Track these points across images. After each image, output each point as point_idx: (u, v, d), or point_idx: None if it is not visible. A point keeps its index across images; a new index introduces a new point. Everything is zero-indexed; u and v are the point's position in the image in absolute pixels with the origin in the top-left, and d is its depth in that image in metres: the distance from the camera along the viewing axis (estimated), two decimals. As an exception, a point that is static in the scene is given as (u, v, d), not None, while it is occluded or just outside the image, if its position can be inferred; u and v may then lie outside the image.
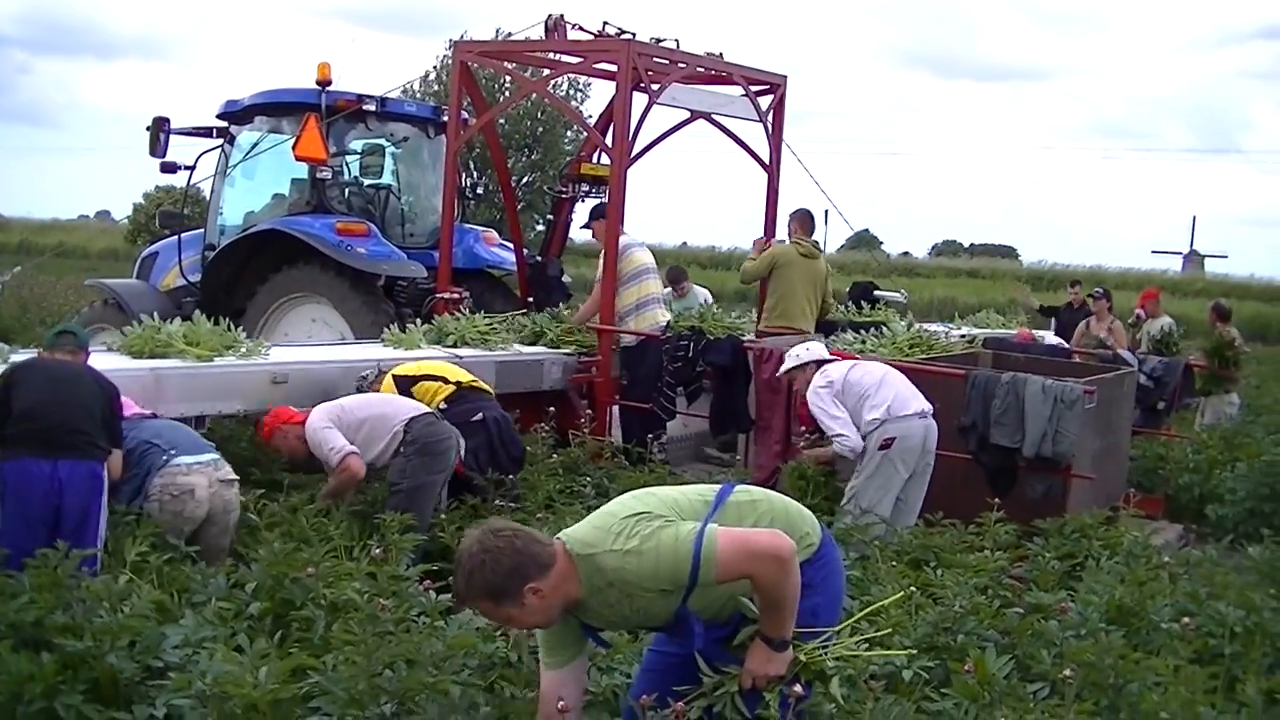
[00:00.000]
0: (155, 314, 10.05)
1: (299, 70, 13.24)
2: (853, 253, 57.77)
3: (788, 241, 12.84)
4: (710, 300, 16.26)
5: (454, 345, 11.20)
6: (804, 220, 12.86)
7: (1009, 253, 71.10)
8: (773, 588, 4.37)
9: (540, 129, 47.25)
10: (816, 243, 13.13)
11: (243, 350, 9.81)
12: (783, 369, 9.70)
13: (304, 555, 6.55)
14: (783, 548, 4.34)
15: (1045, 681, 5.72)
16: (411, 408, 8.73)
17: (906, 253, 68.25)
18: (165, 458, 7.41)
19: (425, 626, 5.63)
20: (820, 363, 9.47)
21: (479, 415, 9.13)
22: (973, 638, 6.21)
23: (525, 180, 46.56)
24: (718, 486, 4.70)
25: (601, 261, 12.20)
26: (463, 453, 8.85)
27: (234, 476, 7.68)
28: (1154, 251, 65.65)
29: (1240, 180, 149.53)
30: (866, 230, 75.64)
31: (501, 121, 44.81)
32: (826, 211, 16.34)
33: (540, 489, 9.19)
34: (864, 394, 9.08)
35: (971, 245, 79.11)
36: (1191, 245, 65.98)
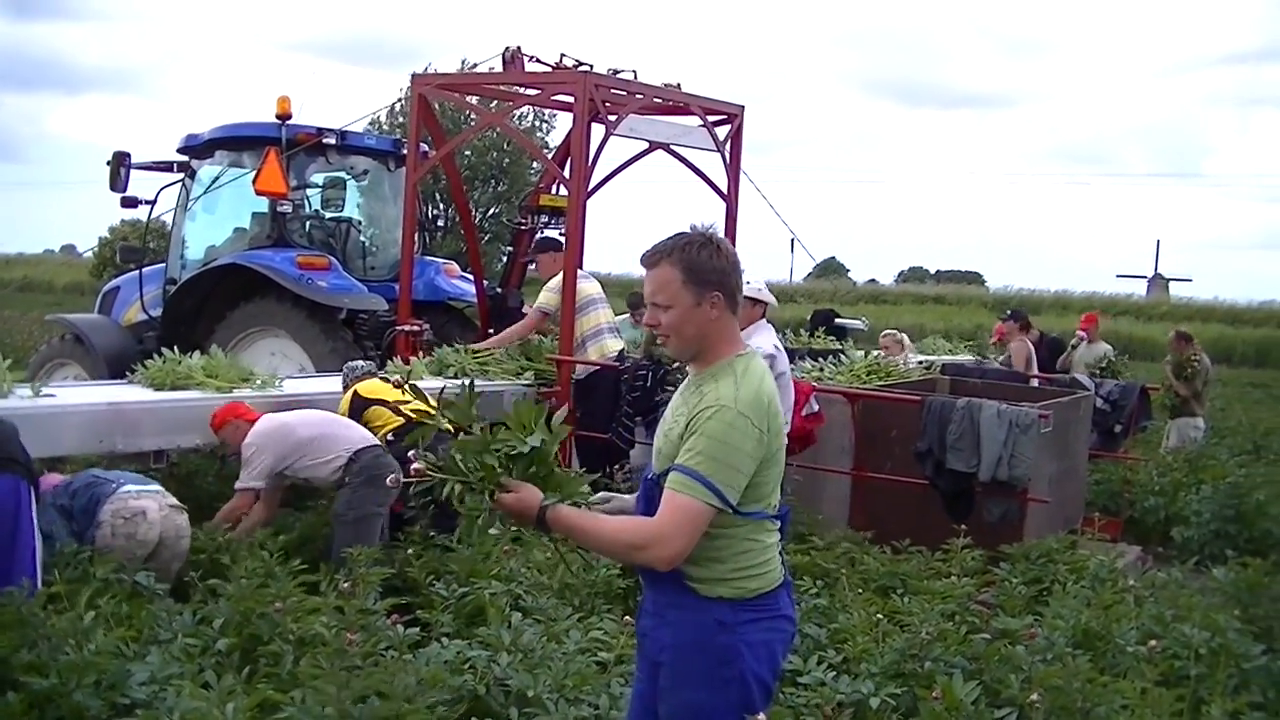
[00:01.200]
0: (117, 349, 10.02)
1: (266, 103, 13.34)
2: (820, 280, 58.02)
3: None
4: None
5: (454, 375, 11.20)
6: None
7: (975, 279, 71.38)
8: (612, 544, 4.22)
9: (506, 160, 47.32)
10: None
11: (259, 382, 9.90)
12: None
13: (271, 590, 6.54)
14: (657, 541, 4.02)
15: (1013, 707, 5.74)
16: (360, 437, 8.72)
17: (873, 280, 68.62)
18: (113, 486, 7.43)
19: (393, 660, 5.62)
20: None
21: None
22: (940, 664, 6.22)
23: (491, 212, 46.61)
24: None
25: (546, 295, 12.15)
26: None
27: (182, 505, 7.68)
28: (1119, 275, 66.05)
29: (1204, 205, 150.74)
30: (833, 258, 76.09)
31: (467, 153, 44.93)
32: (793, 240, 16.42)
33: (508, 521, 9.16)
34: None
35: (938, 272, 79.48)
36: (1156, 269, 66.46)
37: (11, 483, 6.74)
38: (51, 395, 8.90)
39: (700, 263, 4.18)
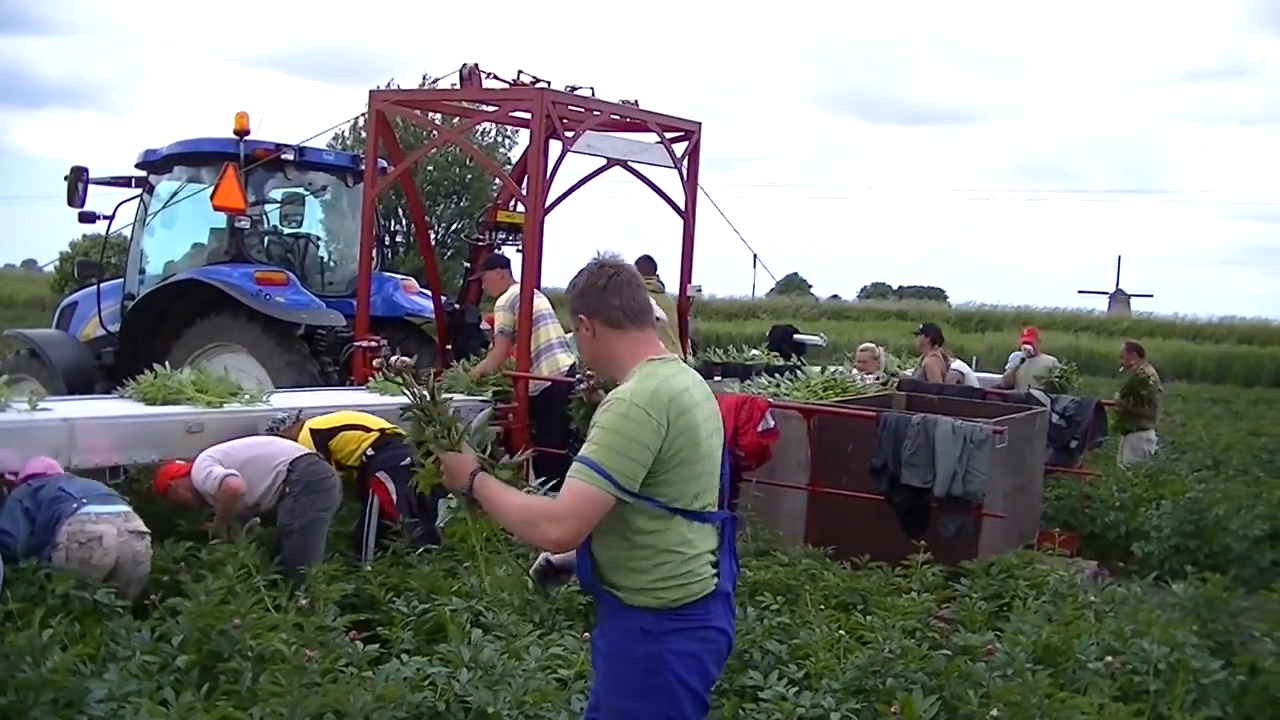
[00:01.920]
0: (75, 364, 9.98)
1: (228, 118, 13.27)
2: (782, 296, 58.00)
3: None
4: None
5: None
6: (644, 264, 13.79)
7: (937, 294, 71.53)
8: (513, 518, 4.42)
9: (469, 176, 47.19)
10: (660, 281, 13.97)
11: (246, 397, 9.95)
12: None
13: (230, 607, 6.51)
14: (549, 520, 4.25)
15: (972, 722, 5.76)
16: (293, 449, 8.70)
17: (836, 295, 68.60)
18: (74, 506, 7.30)
19: (353, 677, 5.60)
20: None
21: (408, 460, 9.07)
22: (900, 680, 6.24)
23: (454, 227, 46.47)
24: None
25: (501, 315, 12.12)
26: (392, 494, 8.91)
27: (145, 530, 7.56)
28: (1080, 291, 66.07)
29: (1165, 220, 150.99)
30: (795, 274, 76.08)
31: (429, 168, 44.80)
32: (755, 256, 16.45)
33: (478, 534, 9.14)
34: None
35: (900, 288, 79.46)
36: (1117, 285, 66.56)
37: None
38: (48, 409, 8.97)
39: (573, 294, 4.53)
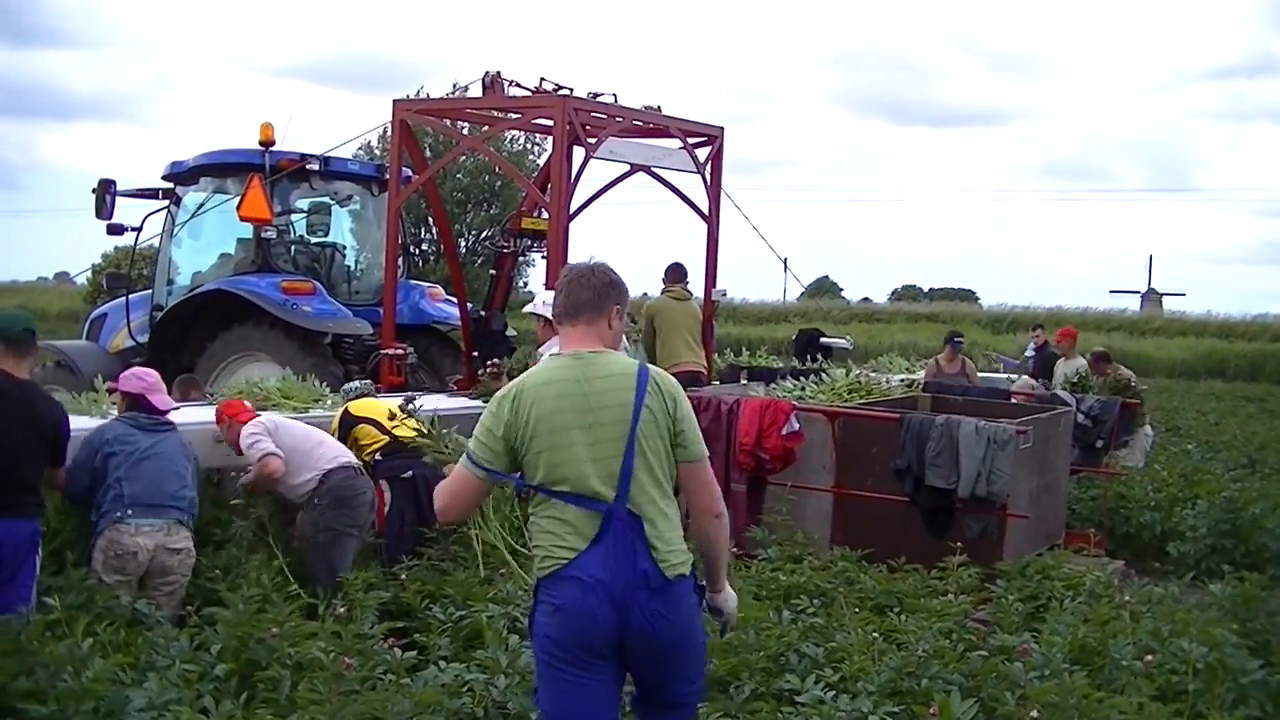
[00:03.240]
0: (103, 375, 10.06)
1: (258, 130, 13.38)
2: (813, 300, 58.03)
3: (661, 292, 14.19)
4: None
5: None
6: (674, 271, 14.22)
7: (969, 296, 71.39)
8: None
9: (498, 183, 47.31)
10: (688, 288, 14.20)
11: (328, 403, 10.25)
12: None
13: (268, 616, 6.54)
14: (438, 495, 5.11)
15: (1010, 723, 5.75)
16: (333, 457, 8.69)
17: (867, 298, 68.53)
18: (120, 514, 7.47)
19: (391, 684, 5.62)
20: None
21: (408, 473, 9.11)
22: (937, 681, 6.22)
23: (484, 235, 46.60)
24: None
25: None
26: (386, 504, 9.03)
27: (181, 545, 7.64)
28: (1112, 291, 65.83)
29: (1196, 219, 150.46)
30: (826, 277, 76.12)
31: (459, 175, 44.93)
32: (786, 260, 16.51)
33: (500, 542, 9.16)
34: None
35: (931, 290, 79.45)
36: (1149, 284, 66.36)
37: (31, 527, 6.86)
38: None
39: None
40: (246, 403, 9.11)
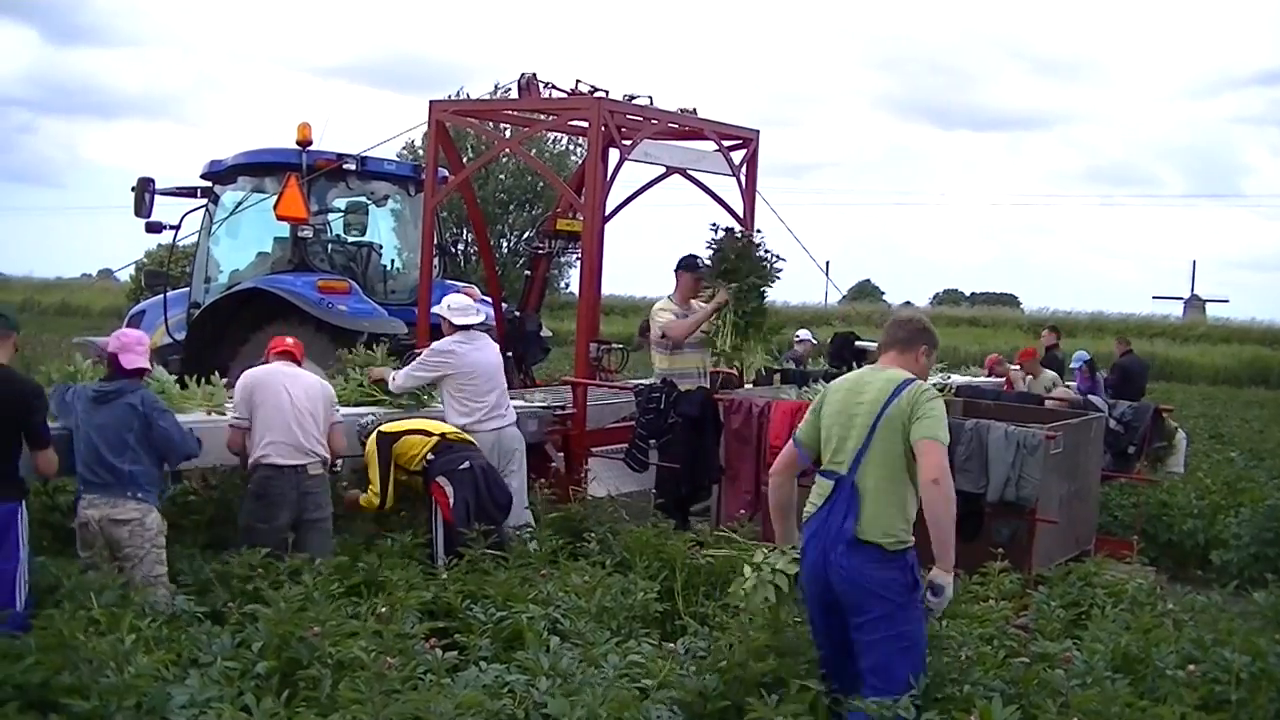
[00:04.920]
0: None
1: (301, 130, 13.41)
2: (855, 303, 57.87)
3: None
4: None
5: None
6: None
7: (1010, 301, 71.01)
8: None
9: (540, 184, 47.38)
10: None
11: (435, 405, 10.50)
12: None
13: (309, 614, 6.56)
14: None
15: (1052, 731, 5.72)
16: (264, 450, 8.77)
17: (908, 302, 68.17)
18: (79, 492, 7.83)
19: (432, 684, 5.63)
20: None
21: (466, 464, 9.21)
22: (978, 688, 6.20)
23: (526, 235, 46.66)
24: None
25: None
26: (450, 499, 9.12)
27: (127, 515, 7.75)
28: (1155, 297, 65.26)
29: (1240, 225, 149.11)
30: (868, 280, 75.85)
31: (502, 176, 45.03)
32: (828, 263, 16.47)
33: (545, 545, 9.19)
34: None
35: (973, 294, 79.06)
36: (1192, 290, 65.93)
37: (7, 508, 6.90)
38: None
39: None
40: (289, 340, 9.52)
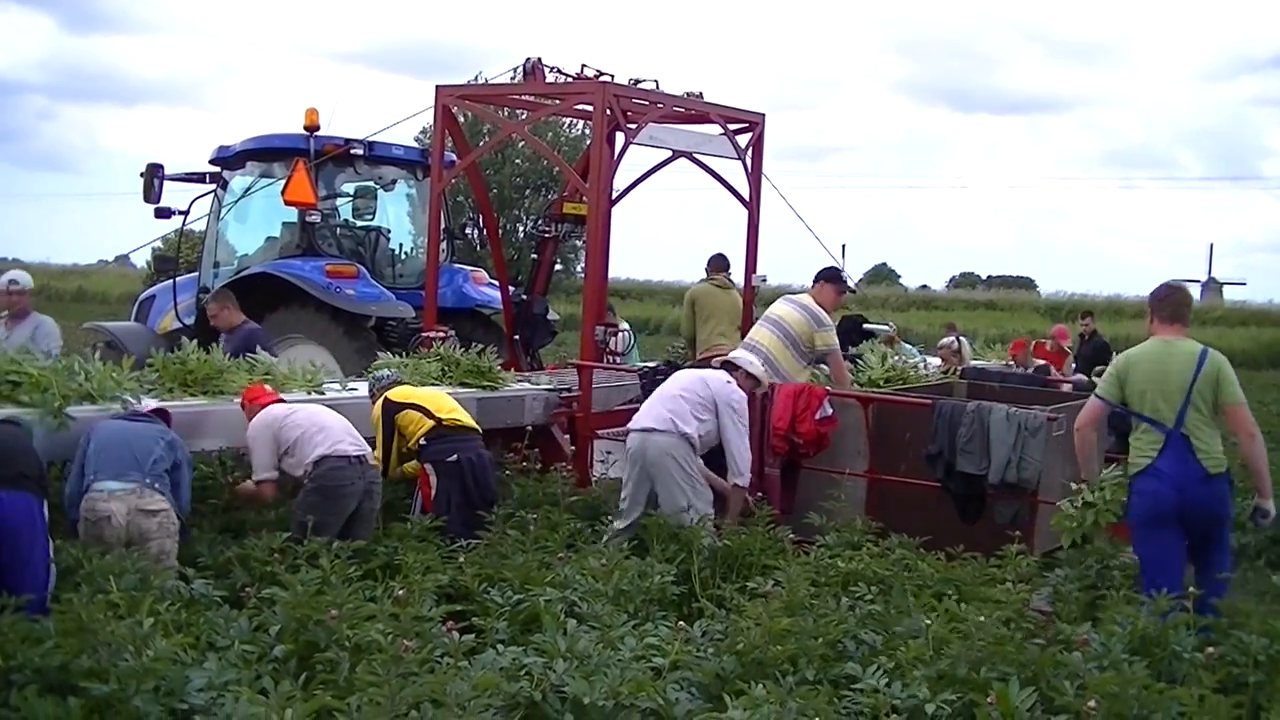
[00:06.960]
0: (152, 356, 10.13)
1: (319, 115, 13.46)
2: (871, 286, 57.83)
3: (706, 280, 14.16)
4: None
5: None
6: (716, 261, 14.14)
7: (1027, 284, 70.79)
8: None
9: (556, 169, 47.31)
10: (730, 278, 14.13)
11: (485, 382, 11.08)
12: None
13: (327, 598, 6.57)
14: None
15: (1069, 714, 5.72)
16: (328, 444, 8.78)
17: (925, 285, 68.06)
18: (87, 481, 7.68)
19: (449, 667, 5.64)
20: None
21: (453, 457, 9.21)
22: (996, 671, 6.19)
23: (539, 220, 46.67)
24: None
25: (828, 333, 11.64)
26: (433, 488, 9.24)
27: (157, 507, 7.76)
28: (1172, 280, 65.22)
29: (1258, 207, 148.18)
30: (884, 264, 75.73)
31: (517, 161, 44.97)
32: (844, 246, 16.47)
33: (561, 528, 9.20)
34: None
35: (989, 277, 78.84)
36: (1209, 273, 65.76)
37: (25, 500, 6.89)
38: (354, 389, 10.24)
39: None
40: (267, 387, 9.33)
